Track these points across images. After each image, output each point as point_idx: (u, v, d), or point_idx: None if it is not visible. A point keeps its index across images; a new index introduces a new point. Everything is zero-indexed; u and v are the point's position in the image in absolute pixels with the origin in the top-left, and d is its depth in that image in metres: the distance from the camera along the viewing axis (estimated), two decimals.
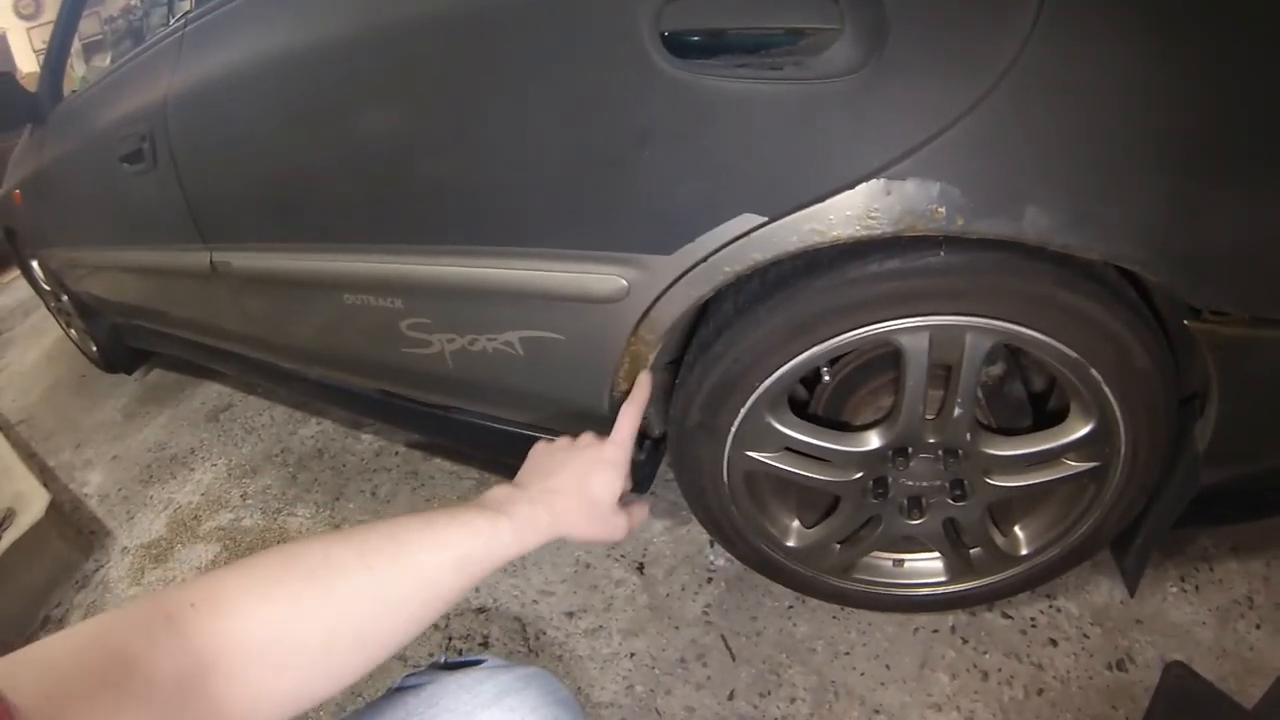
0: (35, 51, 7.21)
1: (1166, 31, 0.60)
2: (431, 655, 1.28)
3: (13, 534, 1.75)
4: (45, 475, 2.27)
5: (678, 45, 0.71)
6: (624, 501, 0.75)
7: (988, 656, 1.07)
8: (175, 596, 0.46)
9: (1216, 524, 1.08)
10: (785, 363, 0.83)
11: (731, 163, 0.72)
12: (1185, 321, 0.72)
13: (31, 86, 2.07)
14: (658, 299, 0.83)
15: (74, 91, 1.93)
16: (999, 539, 0.99)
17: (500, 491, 0.68)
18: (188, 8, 1.37)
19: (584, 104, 0.80)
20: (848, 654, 1.11)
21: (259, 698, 0.47)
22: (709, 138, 0.73)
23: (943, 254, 0.71)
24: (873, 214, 0.67)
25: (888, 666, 1.08)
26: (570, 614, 1.29)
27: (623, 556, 1.37)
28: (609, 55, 0.76)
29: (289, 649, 0.48)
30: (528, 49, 0.82)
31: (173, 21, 1.42)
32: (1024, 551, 0.99)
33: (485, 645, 1.28)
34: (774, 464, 0.95)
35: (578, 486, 0.71)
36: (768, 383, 0.86)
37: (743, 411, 0.89)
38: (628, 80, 0.75)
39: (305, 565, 0.52)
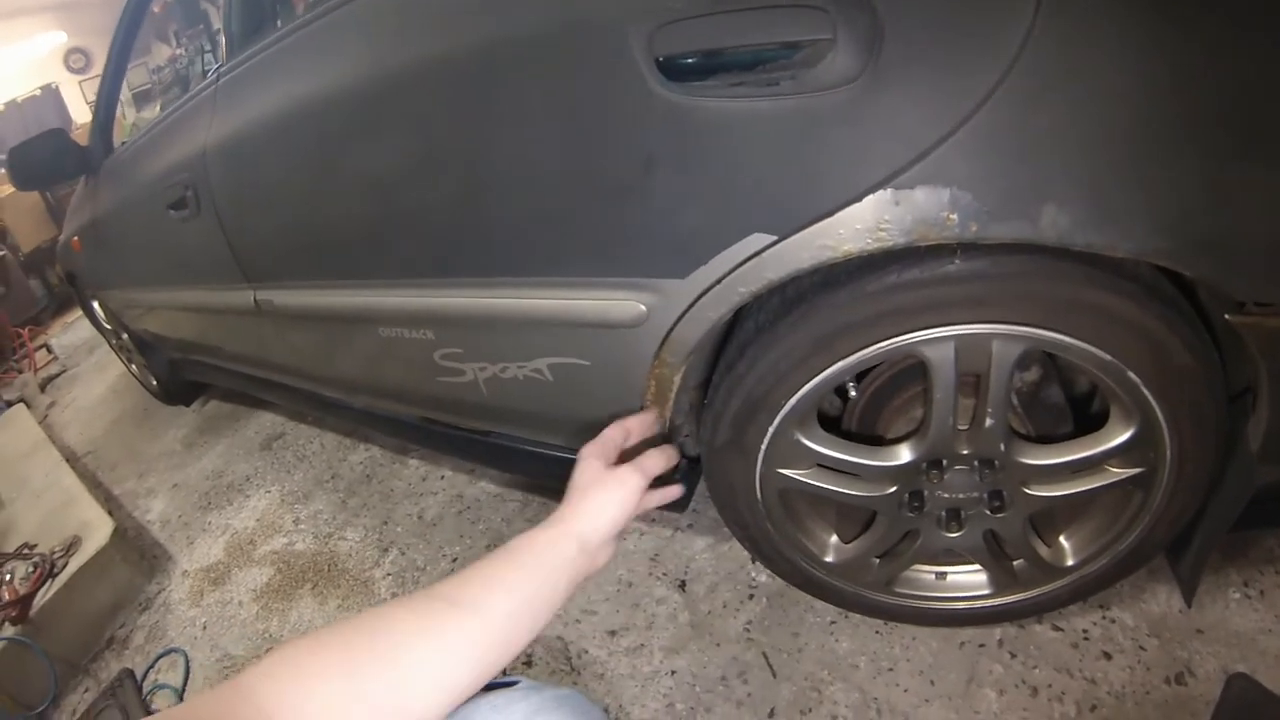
0: (88, 103, 7.63)
1: (1177, 10, 0.57)
2: None
3: (79, 559, 1.85)
4: (110, 503, 2.38)
5: (673, 69, 0.71)
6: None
7: (1037, 671, 1.03)
8: (253, 671, 0.51)
9: (1277, 525, 1.02)
10: (809, 380, 0.83)
11: (736, 183, 0.72)
12: (1227, 316, 0.69)
13: (84, 138, 2.17)
14: (677, 322, 0.83)
15: (124, 142, 2.03)
16: (1043, 550, 0.96)
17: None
18: (223, 60, 1.43)
19: (589, 135, 0.80)
20: (891, 670, 1.09)
21: None
22: (712, 159, 0.72)
23: (957, 261, 0.70)
24: (883, 225, 0.66)
25: (932, 683, 1.06)
26: (612, 632, 1.29)
27: (665, 575, 1.37)
28: (608, 85, 0.76)
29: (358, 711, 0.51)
30: (533, 85, 0.83)
31: (208, 73, 1.48)
32: (1070, 562, 0.96)
33: (529, 664, 1.29)
34: (807, 481, 0.94)
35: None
36: (794, 400, 0.85)
37: (771, 430, 0.88)
38: (628, 108, 0.75)
39: (368, 632, 0.56)
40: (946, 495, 0.92)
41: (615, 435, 0.85)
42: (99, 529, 1.95)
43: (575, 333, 0.95)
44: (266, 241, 1.41)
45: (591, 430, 1.07)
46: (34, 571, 1.80)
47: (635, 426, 0.89)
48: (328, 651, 0.53)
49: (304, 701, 0.49)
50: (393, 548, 1.71)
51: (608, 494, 0.74)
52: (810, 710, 1.08)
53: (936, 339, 0.76)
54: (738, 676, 1.15)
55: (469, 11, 0.89)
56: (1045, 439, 0.89)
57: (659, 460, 0.81)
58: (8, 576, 1.81)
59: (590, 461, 0.78)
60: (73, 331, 5.00)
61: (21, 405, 3.56)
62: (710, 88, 0.70)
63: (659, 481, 0.86)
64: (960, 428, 0.85)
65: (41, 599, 1.74)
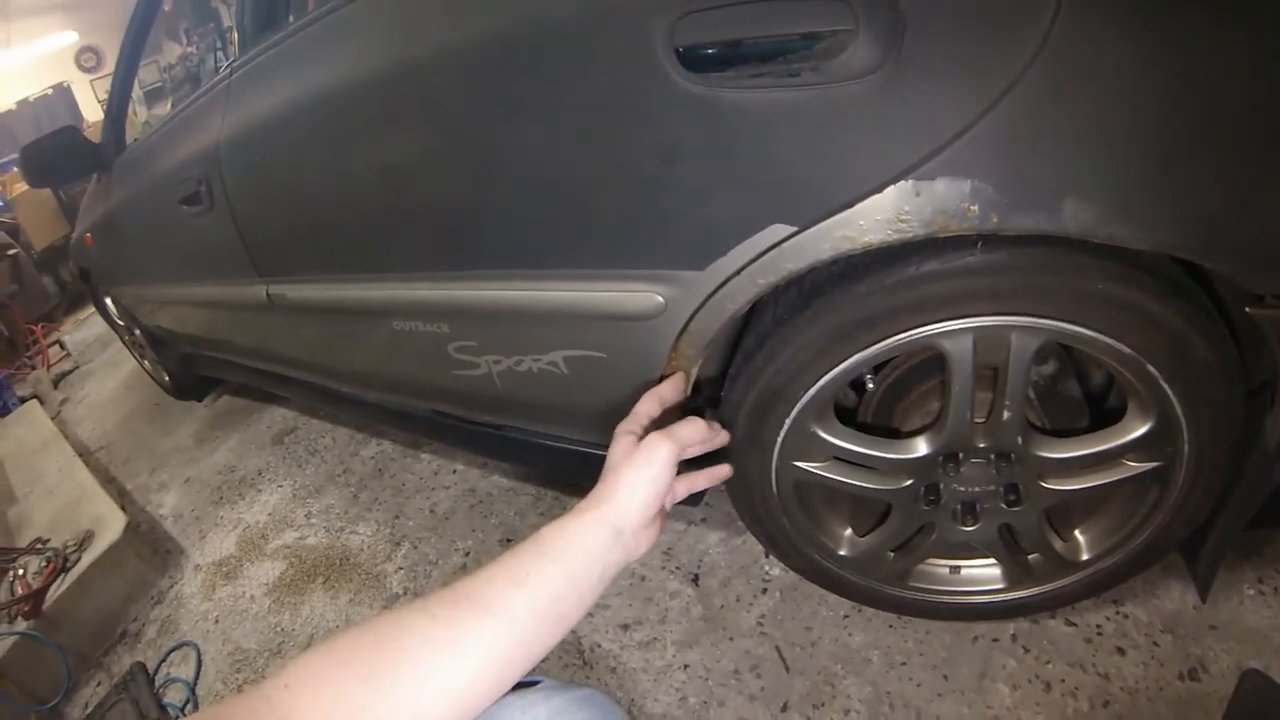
0: (99, 101, 7.69)
1: (1200, 6, 0.57)
2: None
3: (92, 554, 1.87)
4: (123, 498, 2.40)
5: (693, 60, 0.71)
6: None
7: (1051, 666, 1.03)
8: (273, 681, 0.52)
9: None
10: (827, 371, 0.82)
11: (756, 174, 0.72)
12: (1247, 309, 0.69)
13: (95, 136, 2.18)
14: (695, 314, 0.83)
15: (136, 139, 2.04)
16: (1058, 544, 0.96)
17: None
18: (235, 55, 1.43)
19: (608, 125, 0.80)
20: (904, 664, 1.09)
21: None
22: (732, 150, 0.72)
23: (978, 252, 0.70)
24: (903, 217, 0.66)
25: (945, 677, 1.06)
26: (625, 626, 1.30)
27: (678, 568, 1.37)
28: (628, 76, 0.76)
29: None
30: (551, 75, 0.83)
31: (221, 69, 1.49)
32: (1085, 557, 0.96)
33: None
34: (823, 474, 0.94)
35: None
36: (811, 392, 0.85)
37: (788, 422, 0.88)
38: (647, 99, 0.75)
39: (389, 641, 0.55)
40: (962, 489, 0.92)
41: (648, 407, 0.82)
42: (112, 523, 1.97)
43: (592, 325, 0.95)
44: (280, 236, 1.41)
45: (606, 422, 1.07)
46: (47, 566, 1.82)
47: (669, 393, 0.86)
48: (344, 663, 0.54)
49: (319, 711, 0.50)
50: (405, 542, 1.71)
51: (637, 472, 0.69)
52: (823, 704, 1.08)
53: (955, 331, 0.76)
54: (751, 670, 1.15)
55: (485, 1, 0.89)
56: (1062, 432, 0.89)
57: (695, 429, 0.77)
58: (21, 571, 1.82)
59: (622, 438, 0.74)
60: (85, 328, 5.05)
61: (35, 401, 3.59)
62: (731, 78, 0.70)
63: (707, 461, 0.83)
64: (977, 421, 0.85)
65: (54, 593, 1.76)
